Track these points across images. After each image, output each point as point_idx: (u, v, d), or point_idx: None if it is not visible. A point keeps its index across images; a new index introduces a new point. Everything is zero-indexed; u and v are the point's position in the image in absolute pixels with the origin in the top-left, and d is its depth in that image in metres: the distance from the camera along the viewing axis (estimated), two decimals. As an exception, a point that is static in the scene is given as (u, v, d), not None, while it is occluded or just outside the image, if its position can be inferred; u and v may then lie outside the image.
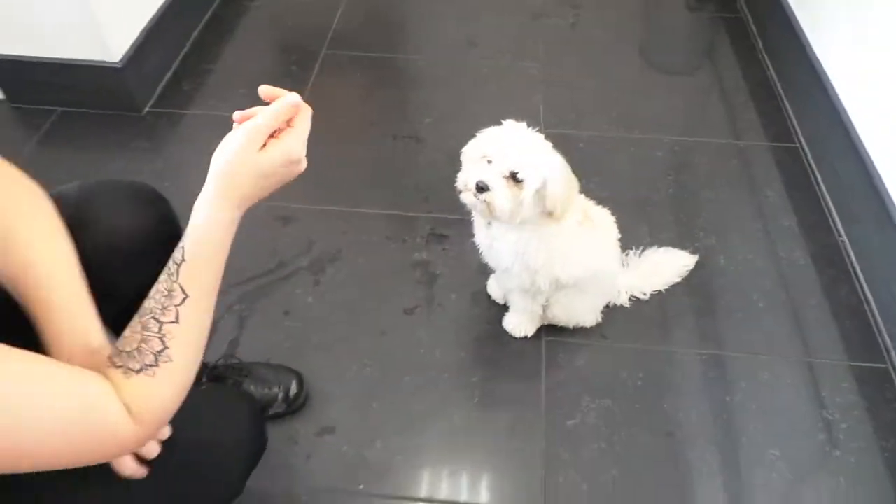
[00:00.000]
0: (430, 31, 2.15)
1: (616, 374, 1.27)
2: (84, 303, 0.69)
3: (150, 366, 0.60)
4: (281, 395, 1.18)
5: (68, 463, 0.55)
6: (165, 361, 0.60)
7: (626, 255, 1.41)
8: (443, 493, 1.12)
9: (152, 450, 0.68)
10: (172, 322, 0.61)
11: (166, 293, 0.62)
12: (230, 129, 0.65)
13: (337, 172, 1.65)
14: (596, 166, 1.65)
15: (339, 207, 1.56)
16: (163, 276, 0.63)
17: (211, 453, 0.77)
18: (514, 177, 1.00)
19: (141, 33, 1.75)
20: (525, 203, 1.01)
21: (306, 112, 0.68)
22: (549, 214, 1.04)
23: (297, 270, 1.43)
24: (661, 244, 1.45)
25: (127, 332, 0.61)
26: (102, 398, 0.57)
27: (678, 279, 1.41)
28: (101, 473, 0.63)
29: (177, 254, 0.63)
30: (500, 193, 1.00)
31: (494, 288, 1.38)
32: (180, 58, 1.94)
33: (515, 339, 1.32)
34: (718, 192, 1.63)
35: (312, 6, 2.21)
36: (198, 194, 0.63)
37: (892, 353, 1.29)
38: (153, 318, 0.61)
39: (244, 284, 1.40)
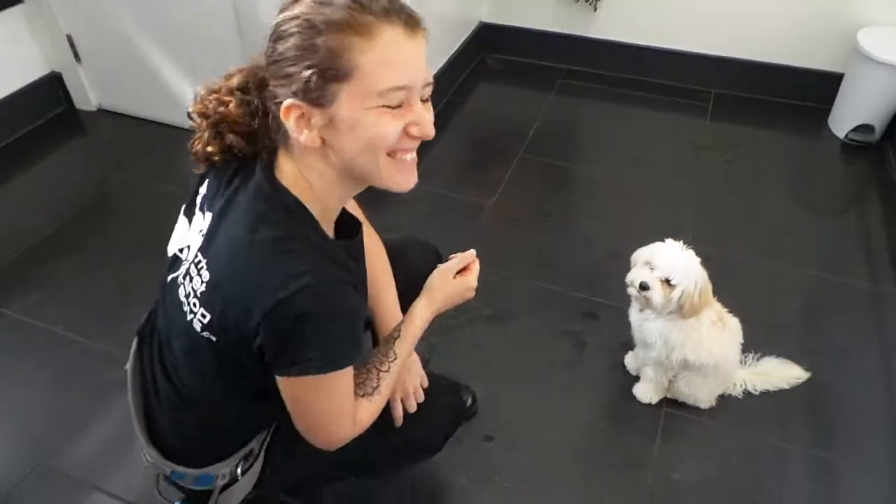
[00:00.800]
0: (608, 150, 2.60)
1: (720, 450, 1.57)
2: None
3: (369, 394, 1.01)
4: (459, 405, 1.60)
5: (309, 429, 0.95)
6: (378, 393, 1.01)
7: (746, 356, 1.71)
8: (566, 500, 1.47)
9: (411, 405, 1.14)
10: (386, 371, 1.03)
11: (385, 354, 1.05)
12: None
13: (518, 252, 2.11)
14: (732, 281, 1.93)
15: (511, 277, 2.00)
16: (383, 343, 1.09)
17: (432, 411, 1.20)
18: (667, 282, 1.39)
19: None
20: (673, 301, 1.39)
21: (477, 262, 1.19)
22: (681, 310, 1.41)
23: (479, 318, 1.88)
24: (779, 355, 1.73)
25: (360, 376, 1.01)
26: (352, 413, 0.97)
27: (786, 386, 1.68)
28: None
29: (394, 332, 1.10)
30: (657, 293, 1.40)
31: (630, 361, 1.73)
32: (411, 144, 2.53)
33: (641, 404, 1.65)
34: (843, 324, 1.88)
35: (515, 117, 2.75)
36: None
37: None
38: (375, 367, 1.03)
39: (438, 323, 1.85)
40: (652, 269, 1.42)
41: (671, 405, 1.65)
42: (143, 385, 1.08)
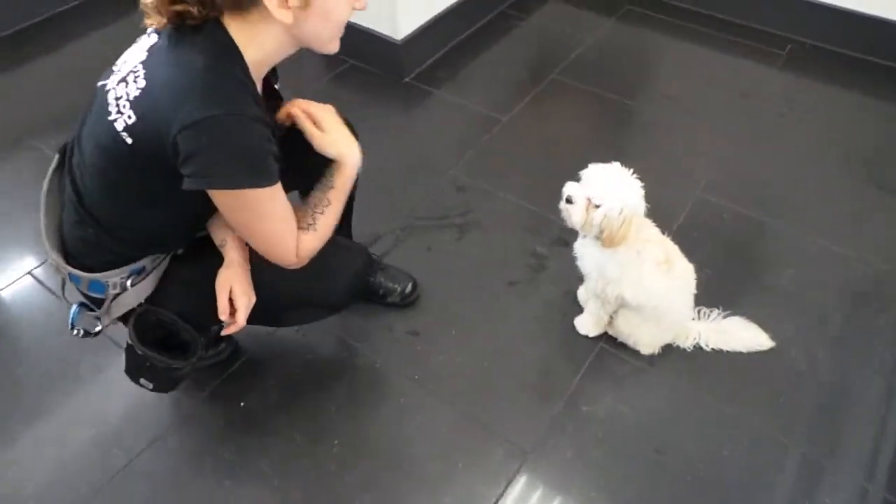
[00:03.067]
0: (650, 85, 2.41)
1: (644, 395, 1.50)
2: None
3: (305, 229, 1.14)
4: (399, 290, 1.63)
5: (259, 248, 1.11)
6: (314, 229, 1.15)
7: (711, 310, 1.59)
8: (459, 407, 1.47)
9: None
10: (321, 213, 1.17)
11: (319, 199, 1.17)
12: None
13: (513, 170, 2.05)
14: (728, 236, 1.81)
15: (499, 192, 1.96)
16: (317, 190, 1.18)
17: (332, 268, 1.28)
18: (591, 201, 1.32)
19: (422, 25, 2.32)
20: (595, 223, 1.32)
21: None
22: (602, 234, 1.33)
23: (450, 224, 1.87)
24: (752, 319, 1.59)
25: (299, 213, 1.14)
26: (294, 238, 1.12)
27: (743, 350, 1.55)
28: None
29: (326, 181, 1.18)
30: (578, 208, 1.33)
31: (582, 293, 1.66)
32: (444, 50, 2.48)
33: (579, 334, 1.60)
34: (846, 307, 1.67)
35: (564, 37, 2.61)
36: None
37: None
38: (310, 207, 1.17)
39: (410, 220, 1.87)
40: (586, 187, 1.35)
41: (610, 343, 1.59)
42: (60, 194, 1.18)
